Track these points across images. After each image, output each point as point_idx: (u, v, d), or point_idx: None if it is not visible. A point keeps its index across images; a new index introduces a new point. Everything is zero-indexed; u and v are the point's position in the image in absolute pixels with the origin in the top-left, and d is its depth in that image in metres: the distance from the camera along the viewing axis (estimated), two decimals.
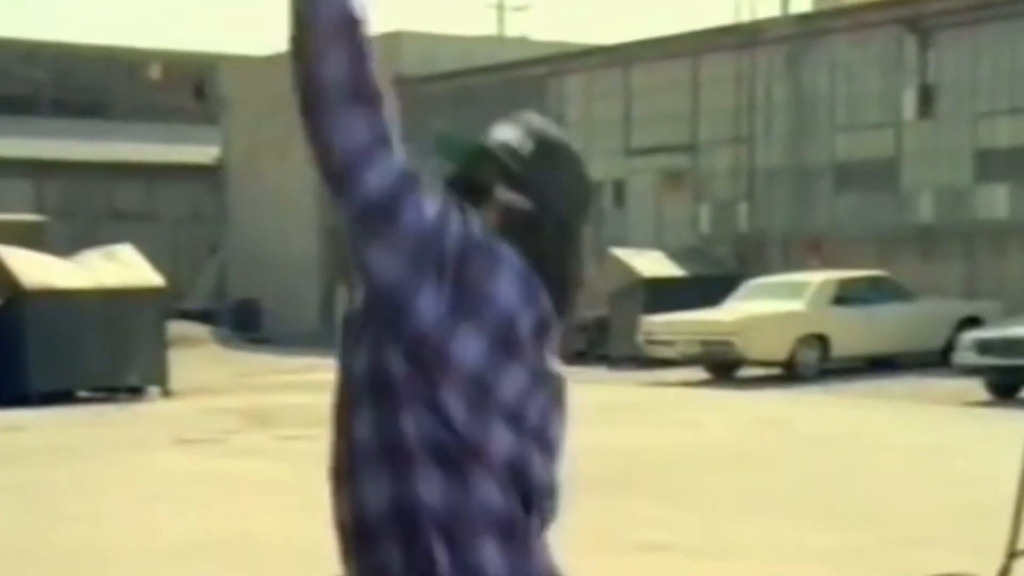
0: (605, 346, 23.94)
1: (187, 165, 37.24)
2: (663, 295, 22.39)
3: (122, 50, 42.05)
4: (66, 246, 21.98)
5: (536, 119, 2.28)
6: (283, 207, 33.54)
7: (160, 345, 19.91)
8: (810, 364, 20.28)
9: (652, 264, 24.05)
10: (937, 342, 20.40)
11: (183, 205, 38.11)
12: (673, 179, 27.29)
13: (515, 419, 2.19)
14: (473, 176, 2.21)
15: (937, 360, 19.83)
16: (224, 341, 30.11)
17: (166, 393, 19.58)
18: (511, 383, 2.18)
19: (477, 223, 2.19)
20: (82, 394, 19.12)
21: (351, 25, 2.13)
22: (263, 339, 31.49)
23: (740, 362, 20.54)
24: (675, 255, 24.72)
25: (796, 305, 20.56)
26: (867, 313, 20.59)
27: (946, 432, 14.14)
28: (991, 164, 23.10)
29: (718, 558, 8.34)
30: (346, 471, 2.23)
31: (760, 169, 26.08)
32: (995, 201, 23.14)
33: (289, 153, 33.34)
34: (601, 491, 10.86)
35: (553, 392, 2.27)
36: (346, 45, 2.12)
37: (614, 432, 14.47)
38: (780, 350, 20.18)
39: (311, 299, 32.88)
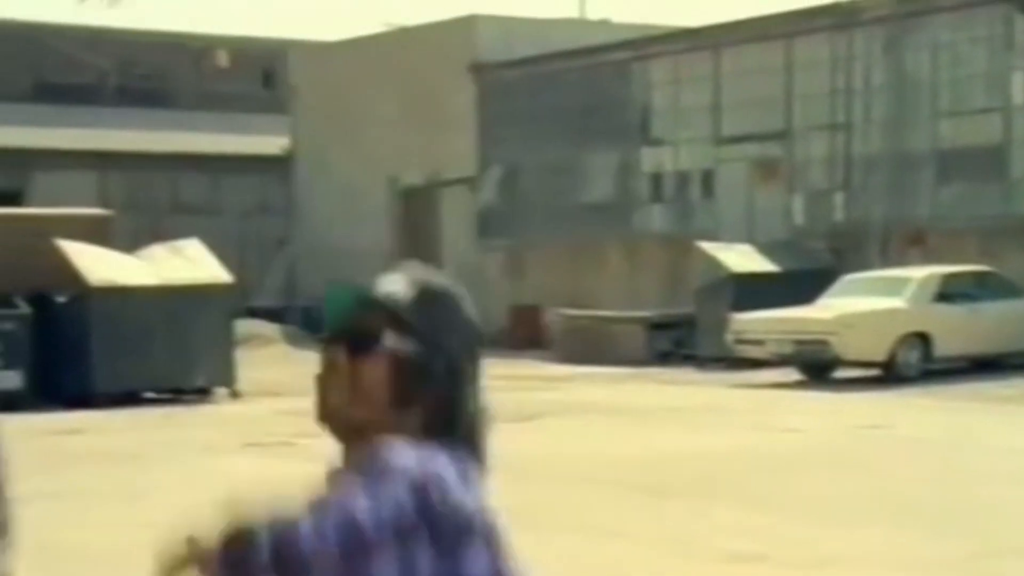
0: (692, 346, 23.93)
1: (254, 156, 37.56)
2: (753, 291, 22.31)
3: (187, 36, 42.55)
4: (129, 240, 22.29)
5: (417, 269, 2.37)
6: (354, 199, 33.80)
7: (228, 344, 20.15)
8: (911, 365, 20.16)
9: (741, 258, 23.98)
10: None
11: (250, 197, 38.45)
12: (765, 168, 27.20)
13: None
14: (362, 324, 2.29)
15: None
16: (294, 340, 30.36)
17: (234, 394, 19.82)
18: None
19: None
20: (147, 395, 19.39)
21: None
22: None
23: (836, 363, 20.45)
24: (766, 249, 24.64)
25: (896, 302, 20.45)
26: (972, 310, 20.44)
27: None
28: None
29: (810, 569, 8.37)
30: None
31: (858, 157, 25.92)
32: None
33: (360, 143, 33.63)
34: (688, 498, 10.91)
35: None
36: None
37: (702, 436, 14.51)
38: (879, 350, 20.08)
39: None
